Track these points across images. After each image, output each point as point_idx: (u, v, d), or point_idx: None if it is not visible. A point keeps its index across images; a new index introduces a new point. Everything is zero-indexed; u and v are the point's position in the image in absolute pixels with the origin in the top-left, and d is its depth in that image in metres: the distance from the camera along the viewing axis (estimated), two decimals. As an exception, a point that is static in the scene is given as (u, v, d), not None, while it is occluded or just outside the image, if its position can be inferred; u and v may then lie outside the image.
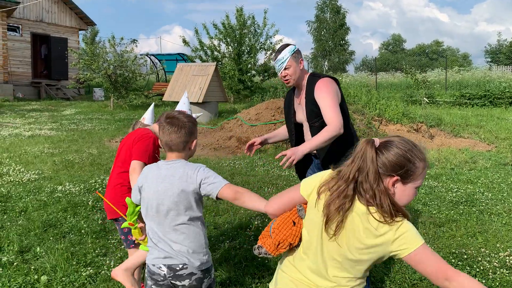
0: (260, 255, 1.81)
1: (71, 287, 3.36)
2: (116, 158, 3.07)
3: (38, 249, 4.06)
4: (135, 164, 2.77)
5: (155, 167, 2.21)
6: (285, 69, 3.09)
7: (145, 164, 2.71)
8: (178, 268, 2.09)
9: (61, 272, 3.59)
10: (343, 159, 2.60)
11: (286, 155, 2.67)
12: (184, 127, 2.18)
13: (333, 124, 2.86)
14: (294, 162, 2.67)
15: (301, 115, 3.22)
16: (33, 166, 7.50)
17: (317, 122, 3.05)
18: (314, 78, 3.12)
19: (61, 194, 5.80)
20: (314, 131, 3.02)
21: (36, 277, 3.50)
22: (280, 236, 1.73)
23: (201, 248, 2.14)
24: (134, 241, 2.90)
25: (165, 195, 2.11)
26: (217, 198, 2.11)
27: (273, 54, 3.16)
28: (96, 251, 4.05)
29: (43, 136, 10.90)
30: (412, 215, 5.14)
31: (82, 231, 4.53)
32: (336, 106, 2.94)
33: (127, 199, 2.39)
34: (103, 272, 3.63)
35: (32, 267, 3.68)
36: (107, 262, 3.81)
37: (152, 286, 2.16)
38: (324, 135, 2.81)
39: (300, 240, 1.78)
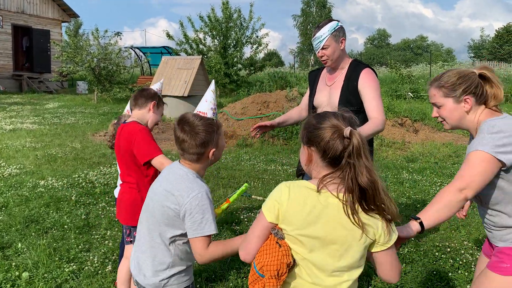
0: None
1: (53, 284, 3.31)
2: (119, 161, 2.84)
3: (19, 245, 3.98)
4: (158, 160, 2.56)
5: (171, 166, 1.99)
6: (322, 48, 2.82)
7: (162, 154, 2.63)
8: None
9: (43, 268, 3.52)
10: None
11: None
12: (195, 136, 1.85)
13: (380, 118, 2.70)
14: None
15: (324, 98, 2.98)
16: (14, 161, 7.36)
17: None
18: (359, 65, 2.90)
19: (43, 189, 5.70)
20: None
21: (17, 273, 3.44)
22: (274, 264, 1.47)
23: (159, 272, 1.89)
24: None
25: (155, 197, 1.93)
26: None
27: (313, 30, 2.88)
28: (80, 247, 3.99)
29: (25, 130, 10.70)
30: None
31: (65, 226, 4.46)
32: (382, 101, 2.81)
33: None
34: (86, 268, 3.57)
35: (13, 264, 3.61)
36: (91, 257, 3.76)
37: None
38: (371, 127, 2.64)
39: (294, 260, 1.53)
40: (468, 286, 3.34)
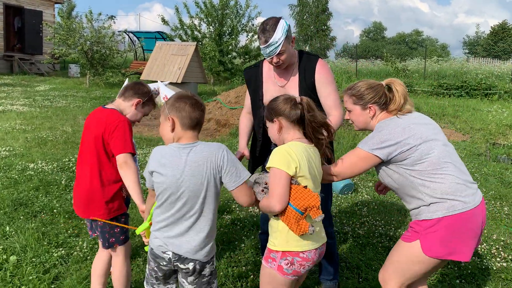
0: (313, 227, 2.00)
1: (41, 268, 3.27)
2: (84, 145, 2.63)
3: (7, 228, 3.93)
4: (125, 158, 2.45)
5: (172, 151, 2.05)
6: (278, 54, 2.56)
7: (133, 154, 2.51)
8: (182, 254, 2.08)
9: (32, 252, 3.48)
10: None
11: None
12: (204, 106, 2.13)
13: (338, 114, 2.66)
14: None
15: None
16: (3, 143, 7.25)
17: None
18: (310, 58, 2.74)
19: (33, 172, 5.63)
20: None
21: (4, 257, 3.39)
22: (315, 199, 1.98)
23: (207, 240, 2.09)
24: (117, 240, 2.63)
25: (185, 184, 2.00)
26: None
27: (261, 34, 2.56)
28: (69, 232, 3.94)
29: (15, 111, 10.55)
30: (388, 206, 5.20)
31: (55, 210, 4.40)
32: (338, 94, 2.72)
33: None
34: (75, 253, 3.53)
35: (1, 247, 3.55)
36: (80, 243, 3.72)
37: (155, 268, 2.14)
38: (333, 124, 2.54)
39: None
40: (457, 281, 3.35)
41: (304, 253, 2.05)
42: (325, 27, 44.52)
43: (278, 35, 2.51)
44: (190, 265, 2.07)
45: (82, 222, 4.17)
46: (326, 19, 44.43)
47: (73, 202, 2.70)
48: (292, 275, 2.07)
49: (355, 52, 35.63)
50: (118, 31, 19.23)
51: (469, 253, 2.13)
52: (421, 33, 72.43)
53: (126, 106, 2.67)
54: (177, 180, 2.01)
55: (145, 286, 2.24)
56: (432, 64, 25.31)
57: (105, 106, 2.67)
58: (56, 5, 24.67)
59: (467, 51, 53.86)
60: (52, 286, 3.07)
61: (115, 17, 19.61)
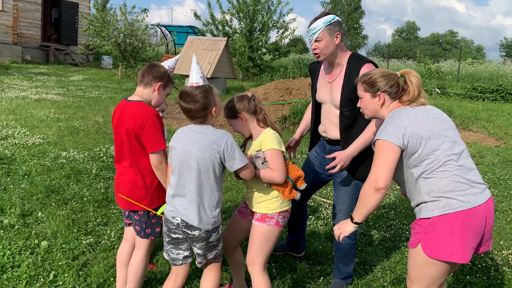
0: (299, 194, 2.59)
1: (70, 254, 3.36)
2: (118, 141, 2.62)
3: (39, 213, 4.05)
4: (159, 159, 2.50)
5: (188, 130, 2.37)
6: (316, 41, 2.76)
7: (164, 150, 2.53)
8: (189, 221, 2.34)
9: (62, 238, 3.58)
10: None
11: (335, 157, 2.75)
12: (196, 103, 2.30)
13: (379, 121, 2.65)
14: (343, 168, 2.77)
15: (326, 96, 2.94)
16: (38, 130, 7.47)
17: (348, 110, 2.80)
18: (359, 60, 2.81)
19: (65, 160, 5.78)
20: (344, 120, 2.83)
21: (36, 241, 3.50)
22: (300, 172, 2.61)
23: (211, 210, 2.34)
24: (153, 232, 2.67)
25: (192, 156, 2.29)
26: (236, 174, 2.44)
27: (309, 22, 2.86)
28: (97, 220, 4.04)
29: (50, 100, 10.85)
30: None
31: (84, 199, 4.52)
32: None
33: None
34: (103, 241, 3.62)
35: (33, 232, 3.67)
36: (108, 232, 3.80)
37: (166, 231, 2.45)
38: (370, 135, 2.66)
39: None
40: (486, 291, 3.27)
41: (289, 209, 2.64)
42: (357, 25, 43.98)
43: (318, 23, 2.75)
44: (196, 232, 2.34)
45: (110, 211, 4.26)
46: (358, 17, 43.88)
47: (115, 194, 2.71)
48: (283, 226, 2.60)
49: (386, 51, 35.03)
50: (151, 25, 19.51)
51: (467, 254, 2.11)
52: (456, 34, 70.50)
53: (149, 92, 2.62)
54: (185, 152, 2.31)
55: (164, 255, 2.55)
56: (466, 66, 24.62)
57: (128, 99, 2.62)
58: (92, -2, 25.19)
59: (504, 53, 52.12)
60: (80, 273, 3.15)
61: (148, 10, 19.96)
